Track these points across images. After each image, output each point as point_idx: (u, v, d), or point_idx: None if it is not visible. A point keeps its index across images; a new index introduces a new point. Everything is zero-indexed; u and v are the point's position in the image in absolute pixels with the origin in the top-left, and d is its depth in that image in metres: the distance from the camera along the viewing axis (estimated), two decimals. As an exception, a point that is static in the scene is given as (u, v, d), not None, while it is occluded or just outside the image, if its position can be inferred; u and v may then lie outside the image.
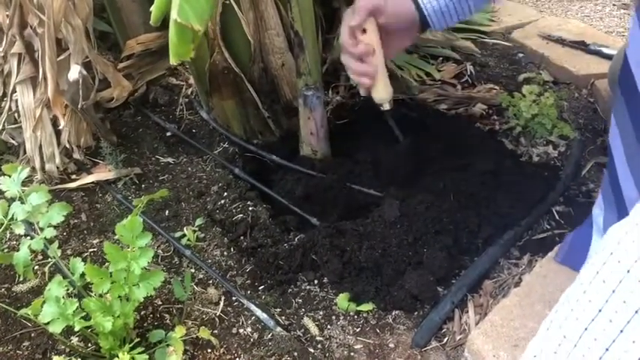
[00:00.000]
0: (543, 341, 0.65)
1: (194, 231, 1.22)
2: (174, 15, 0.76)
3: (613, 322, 0.54)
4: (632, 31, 0.83)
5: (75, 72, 1.22)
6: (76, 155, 1.39)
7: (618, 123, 0.90)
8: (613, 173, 0.94)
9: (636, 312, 0.52)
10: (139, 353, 0.90)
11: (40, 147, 1.34)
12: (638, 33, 0.82)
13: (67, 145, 1.37)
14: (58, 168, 1.35)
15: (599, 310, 0.55)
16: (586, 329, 0.57)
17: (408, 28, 1.00)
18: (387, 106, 1.03)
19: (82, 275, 0.93)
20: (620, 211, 0.95)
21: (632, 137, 0.87)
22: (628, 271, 0.54)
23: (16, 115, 1.38)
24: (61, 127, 1.31)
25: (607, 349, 0.54)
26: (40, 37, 1.23)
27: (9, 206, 0.96)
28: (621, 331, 0.53)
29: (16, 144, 1.46)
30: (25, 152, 1.37)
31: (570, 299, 0.62)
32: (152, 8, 0.82)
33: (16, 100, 1.34)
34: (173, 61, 0.79)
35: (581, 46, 1.71)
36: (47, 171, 1.35)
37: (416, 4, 0.97)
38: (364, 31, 0.97)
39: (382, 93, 1.00)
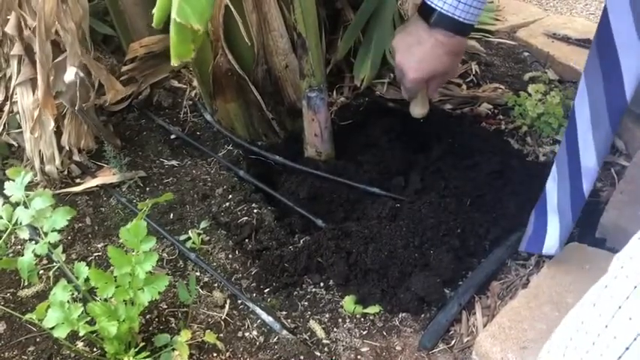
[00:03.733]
0: (555, 349, 0.64)
1: (199, 234, 1.21)
2: (173, 15, 0.75)
3: (617, 339, 0.53)
4: None
5: (71, 74, 1.22)
6: (76, 157, 1.39)
7: (589, 86, 0.88)
8: (572, 141, 0.92)
9: None
10: (145, 358, 0.90)
11: (40, 149, 1.34)
12: None
13: (67, 148, 1.37)
14: (58, 170, 1.35)
15: (627, 349, 0.54)
16: (593, 344, 0.56)
17: None
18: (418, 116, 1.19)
19: (87, 280, 0.93)
20: (574, 183, 0.94)
21: (602, 100, 0.85)
22: (635, 287, 0.53)
23: (18, 117, 1.38)
24: (51, 128, 1.30)
25: None
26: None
27: (13, 211, 0.96)
28: (627, 349, 0.53)
29: (17, 146, 1.45)
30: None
31: (589, 330, 0.60)
32: (154, 10, 0.81)
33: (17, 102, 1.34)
34: (174, 62, 0.79)
35: (586, 44, 1.69)
36: (47, 172, 1.34)
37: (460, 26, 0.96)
38: None
39: (415, 110, 1.18)
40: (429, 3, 0.96)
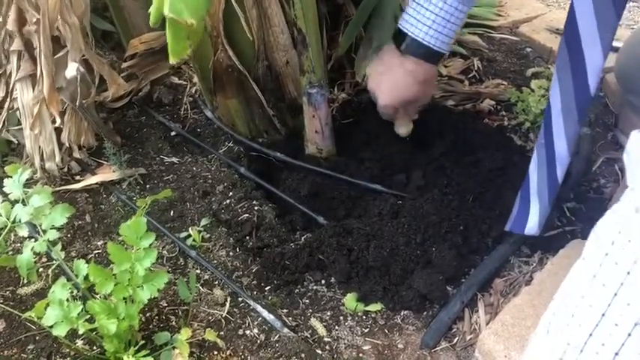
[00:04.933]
0: (544, 347, 0.63)
1: (199, 231, 1.21)
2: (165, 11, 0.72)
3: (619, 326, 0.53)
4: None
5: (72, 69, 1.21)
6: (76, 154, 1.38)
7: (560, 77, 0.90)
8: (548, 129, 0.95)
9: None
10: (145, 356, 0.89)
11: (40, 145, 1.33)
12: None
13: (67, 144, 1.36)
14: (58, 166, 1.34)
15: (603, 315, 0.54)
16: (591, 335, 0.55)
17: None
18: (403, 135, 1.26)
19: (86, 277, 0.92)
20: (550, 168, 0.97)
21: (571, 91, 0.88)
22: (628, 273, 0.53)
23: (18, 114, 1.37)
24: (57, 125, 1.30)
25: (616, 354, 0.53)
26: (37, 34, 1.22)
27: (12, 208, 0.95)
28: (629, 335, 0.52)
29: (16, 143, 1.45)
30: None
31: (568, 303, 0.60)
32: (150, 9, 0.79)
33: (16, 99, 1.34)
34: (172, 60, 0.77)
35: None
36: (47, 169, 1.33)
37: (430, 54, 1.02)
38: None
39: (399, 129, 1.25)
40: (401, 28, 1.02)
